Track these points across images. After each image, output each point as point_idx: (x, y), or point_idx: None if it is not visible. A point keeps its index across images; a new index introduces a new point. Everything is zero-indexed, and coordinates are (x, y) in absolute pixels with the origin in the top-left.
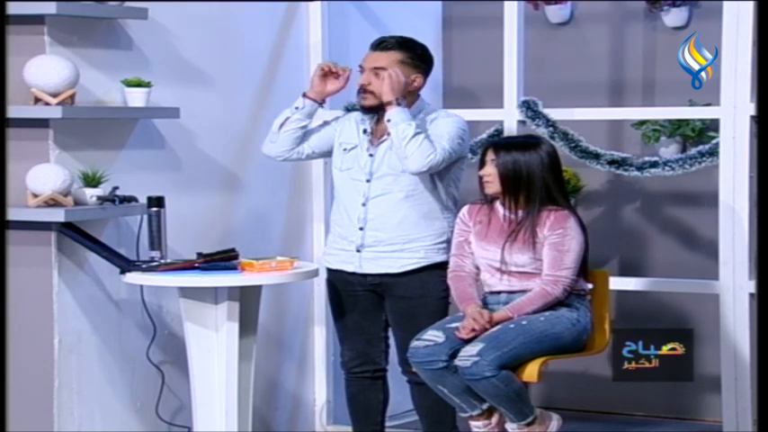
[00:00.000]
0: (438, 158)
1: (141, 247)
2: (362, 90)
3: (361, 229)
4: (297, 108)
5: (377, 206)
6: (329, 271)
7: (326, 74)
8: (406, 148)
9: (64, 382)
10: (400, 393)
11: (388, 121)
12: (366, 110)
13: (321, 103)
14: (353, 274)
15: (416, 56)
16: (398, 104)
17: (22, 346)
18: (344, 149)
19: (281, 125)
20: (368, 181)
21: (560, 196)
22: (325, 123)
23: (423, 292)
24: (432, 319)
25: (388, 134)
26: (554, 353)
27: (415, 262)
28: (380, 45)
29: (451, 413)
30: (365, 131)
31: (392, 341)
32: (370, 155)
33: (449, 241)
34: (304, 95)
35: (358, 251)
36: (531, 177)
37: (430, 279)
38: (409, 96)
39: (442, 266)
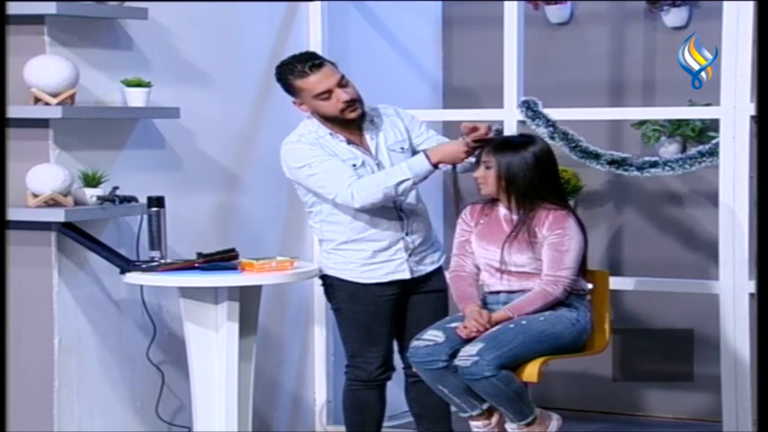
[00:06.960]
0: None
1: (141, 247)
2: (351, 104)
3: (407, 234)
4: (417, 175)
5: (408, 206)
6: (360, 285)
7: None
8: None
9: (64, 382)
10: (400, 393)
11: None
12: (351, 121)
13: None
14: (401, 281)
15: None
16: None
17: (22, 346)
18: (354, 165)
19: (401, 186)
20: None
21: (553, 196)
22: (326, 153)
23: (445, 285)
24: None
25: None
26: (554, 353)
27: (440, 248)
28: (319, 62)
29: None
30: (350, 142)
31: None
32: (377, 163)
33: None
34: (434, 165)
35: (410, 256)
36: (513, 178)
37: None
38: None
39: None
